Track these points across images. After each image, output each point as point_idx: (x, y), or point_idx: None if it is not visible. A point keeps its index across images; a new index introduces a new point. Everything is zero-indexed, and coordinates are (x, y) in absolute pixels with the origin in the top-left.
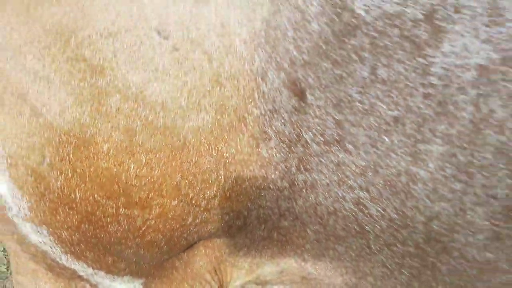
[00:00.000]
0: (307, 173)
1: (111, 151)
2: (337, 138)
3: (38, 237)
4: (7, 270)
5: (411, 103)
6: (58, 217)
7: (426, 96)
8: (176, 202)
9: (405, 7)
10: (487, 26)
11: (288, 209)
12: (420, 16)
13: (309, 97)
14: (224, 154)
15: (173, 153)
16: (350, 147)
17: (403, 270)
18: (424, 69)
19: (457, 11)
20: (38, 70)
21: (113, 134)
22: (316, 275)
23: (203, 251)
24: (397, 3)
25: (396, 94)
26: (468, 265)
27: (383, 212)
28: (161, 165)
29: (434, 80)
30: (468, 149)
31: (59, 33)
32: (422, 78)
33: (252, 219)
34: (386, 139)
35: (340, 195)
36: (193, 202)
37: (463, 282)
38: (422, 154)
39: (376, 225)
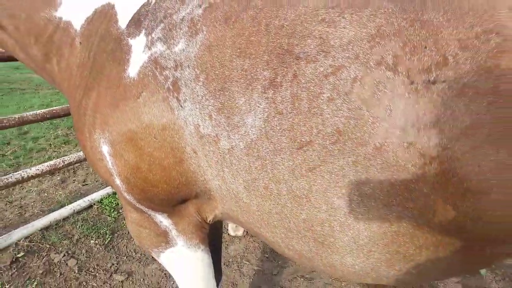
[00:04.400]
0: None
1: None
2: None
3: (129, 197)
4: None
5: None
6: (135, 190)
7: None
8: (166, 185)
9: None
10: None
11: (211, 188)
12: None
13: None
14: (184, 171)
15: (167, 173)
16: None
17: None
18: None
19: None
20: None
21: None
22: (231, 212)
23: (190, 203)
24: None
25: None
26: None
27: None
28: (162, 178)
29: None
30: None
31: None
32: None
33: (199, 191)
34: None
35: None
36: (173, 185)
37: None
38: None
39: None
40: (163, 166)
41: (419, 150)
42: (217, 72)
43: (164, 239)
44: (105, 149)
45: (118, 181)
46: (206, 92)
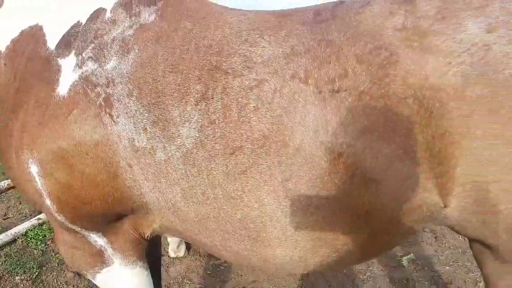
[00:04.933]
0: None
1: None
2: None
3: (60, 217)
4: None
5: None
6: (67, 210)
7: None
8: (100, 202)
9: None
10: None
11: (148, 201)
12: None
13: None
14: (119, 186)
15: (101, 190)
16: None
17: None
18: None
19: None
20: None
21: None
22: (170, 224)
23: (126, 220)
24: None
25: None
26: None
27: None
28: (95, 194)
29: None
30: None
31: None
32: None
33: (135, 206)
34: None
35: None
36: (107, 202)
37: None
38: None
39: None
40: (97, 182)
41: (329, 148)
42: (150, 87)
43: (100, 259)
44: (34, 169)
45: (48, 202)
46: (140, 107)
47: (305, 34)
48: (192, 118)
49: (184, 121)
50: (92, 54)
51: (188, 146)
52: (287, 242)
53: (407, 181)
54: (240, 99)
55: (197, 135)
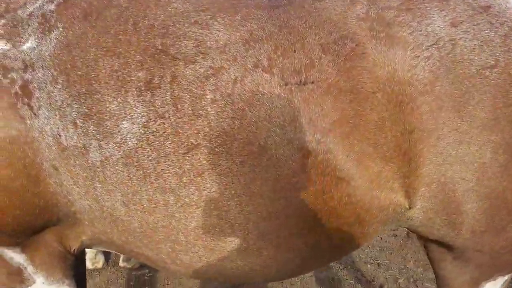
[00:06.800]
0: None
1: None
2: None
3: None
4: None
5: None
6: None
7: None
8: (18, 212)
9: None
10: None
11: (77, 210)
12: None
13: None
14: (42, 193)
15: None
16: None
17: None
18: None
19: None
20: None
21: None
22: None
23: (48, 231)
24: None
25: None
26: None
27: None
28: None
29: None
30: None
31: None
32: None
33: (61, 216)
34: None
35: None
36: (28, 211)
37: None
38: None
39: None
40: (13, 188)
41: (297, 146)
42: (79, 73)
43: (19, 278)
44: None
45: None
46: (67, 96)
47: (264, 19)
48: (134, 111)
49: (125, 114)
50: (3, 32)
51: (131, 145)
52: (249, 251)
53: (376, 180)
54: (194, 89)
55: (142, 132)
